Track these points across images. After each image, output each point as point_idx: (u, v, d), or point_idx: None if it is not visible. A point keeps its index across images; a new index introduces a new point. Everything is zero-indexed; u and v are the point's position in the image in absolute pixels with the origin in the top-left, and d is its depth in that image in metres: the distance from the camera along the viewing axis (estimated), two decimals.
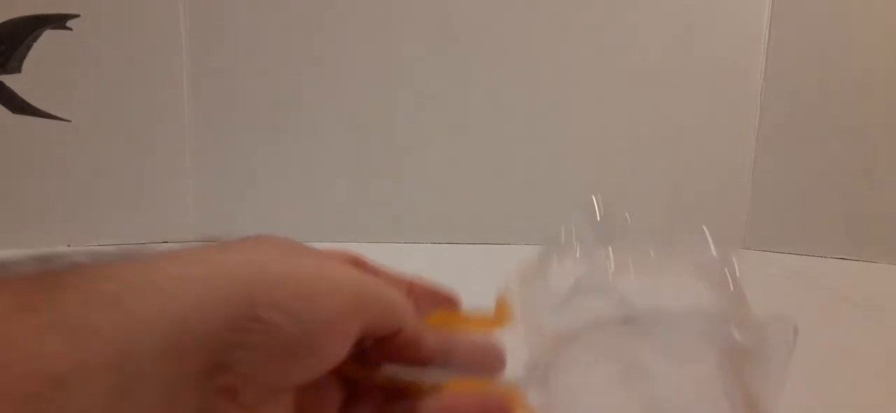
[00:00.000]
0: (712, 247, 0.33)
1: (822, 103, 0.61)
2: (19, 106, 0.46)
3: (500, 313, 0.29)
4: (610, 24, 0.63)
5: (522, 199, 0.64)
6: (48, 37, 0.47)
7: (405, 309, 0.25)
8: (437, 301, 0.29)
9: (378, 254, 0.32)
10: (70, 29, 0.47)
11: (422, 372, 0.26)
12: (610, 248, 0.32)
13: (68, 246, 0.63)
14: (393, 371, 0.26)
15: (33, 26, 0.46)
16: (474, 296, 0.50)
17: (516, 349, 0.29)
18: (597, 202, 0.32)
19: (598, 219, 0.32)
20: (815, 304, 0.51)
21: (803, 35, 0.61)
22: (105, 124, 0.61)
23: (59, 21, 0.47)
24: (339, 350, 0.22)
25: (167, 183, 0.64)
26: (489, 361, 0.28)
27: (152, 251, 0.21)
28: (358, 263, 0.27)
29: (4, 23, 0.46)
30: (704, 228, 0.32)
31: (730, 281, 0.34)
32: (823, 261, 0.61)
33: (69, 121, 0.49)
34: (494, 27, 0.62)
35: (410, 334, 0.25)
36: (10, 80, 0.46)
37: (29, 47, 0.46)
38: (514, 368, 0.28)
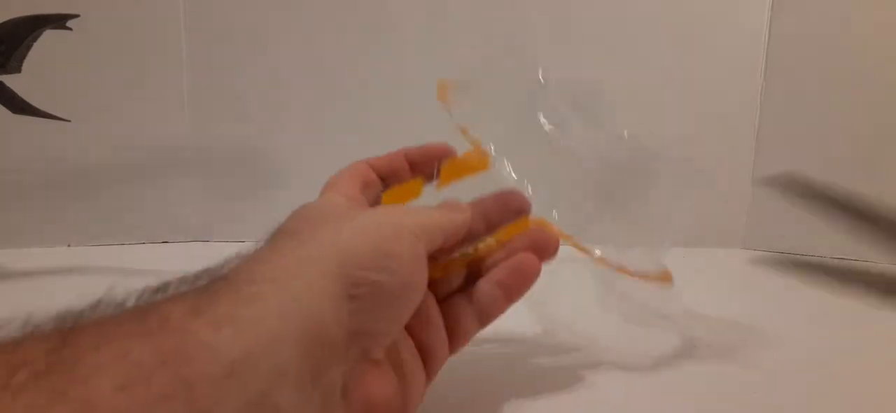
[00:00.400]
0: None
1: (823, 103, 0.61)
2: (19, 106, 0.46)
3: (479, 155, 0.33)
4: (610, 24, 0.63)
5: None
6: (48, 37, 0.47)
7: (455, 221, 0.29)
8: (433, 156, 0.33)
9: None
10: (70, 29, 0.47)
11: (473, 244, 0.31)
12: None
13: (68, 246, 0.63)
14: (455, 256, 0.31)
15: (33, 26, 0.45)
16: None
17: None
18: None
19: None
20: (816, 304, 0.51)
21: (803, 35, 0.61)
22: (105, 124, 0.62)
23: (59, 21, 0.47)
24: (421, 278, 0.26)
25: (167, 183, 0.64)
26: (515, 204, 0.32)
27: (244, 254, 0.23)
28: (368, 182, 0.31)
29: (4, 23, 0.45)
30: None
31: None
32: (823, 261, 0.61)
33: (69, 121, 0.49)
34: (495, 28, 0.62)
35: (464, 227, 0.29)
36: (10, 80, 0.46)
37: (29, 47, 0.46)
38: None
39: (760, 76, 0.63)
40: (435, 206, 0.30)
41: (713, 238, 0.64)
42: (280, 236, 0.25)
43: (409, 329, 0.28)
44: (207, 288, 0.21)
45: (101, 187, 0.63)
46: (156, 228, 0.65)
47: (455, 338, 0.30)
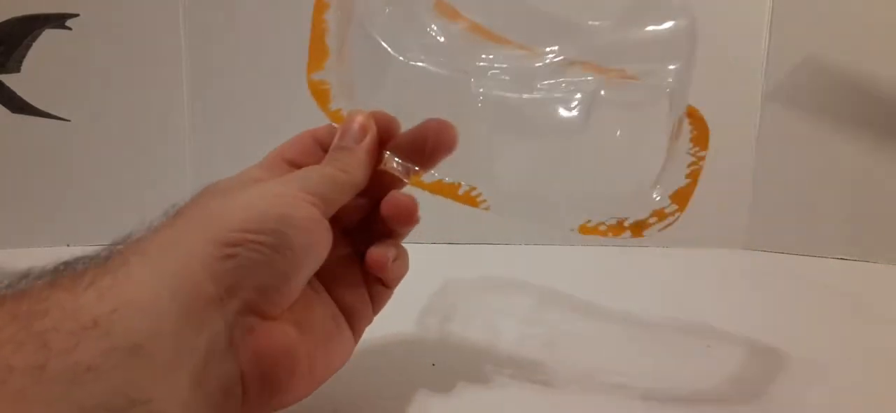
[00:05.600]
0: None
1: (823, 103, 0.61)
2: (19, 105, 0.46)
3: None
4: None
5: None
6: (47, 36, 0.47)
7: (345, 178, 0.28)
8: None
9: None
10: (69, 28, 0.47)
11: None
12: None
13: (67, 246, 0.63)
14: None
15: (32, 26, 0.46)
16: (475, 296, 0.50)
17: None
18: None
19: None
20: (816, 304, 0.51)
21: (804, 35, 0.61)
22: (104, 124, 0.61)
23: (58, 20, 0.47)
24: (320, 239, 0.27)
25: (167, 183, 0.64)
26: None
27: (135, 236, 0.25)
28: (306, 151, 0.31)
29: (4, 22, 0.45)
30: None
31: None
32: (823, 261, 0.60)
33: (69, 120, 0.49)
34: (493, 22, 0.62)
35: (366, 176, 0.29)
36: (10, 80, 0.46)
37: (28, 47, 0.46)
38: None
39: (761, 76, 0.62)
40: (332, 150, 0.30)
41: (714, 238, 0.64)
42: (171, 213, 0.26)
43: (330, 289, 0.30)
44: (75, 268, 0.23)
45: (101, 187, 0.63)
46: None
47: (376, 297, 0.31)
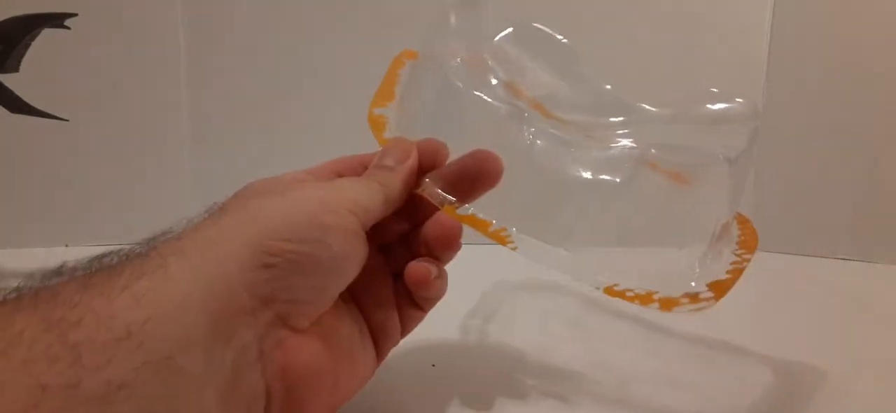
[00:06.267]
0: None
1: (824, 103, 0.61)
2: (17, 105, 0.46)
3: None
4: (609, 25, 0.63)
5: None
6: (46, 36, 0.46)
7: (384, 192, 0.28)
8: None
9: None
10: (68, 28, 0.47)
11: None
12: None
13: (66, 246, 0.62)
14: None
15: (31, 25, 0.45)
16: (475, 297, 0.50)
17: None
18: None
19: None
20: (816, 304, 0.51)
21: (805, 35, 0.61)
22: (104, 124, 0.61)
23: (57, 20, 0.46)
24: (356, 252, 0.26)
25: (166, 182, 0.64)
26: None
27: (173, 231, 0.25)
28: (341, 170, 0.30)
29: (3, 22, 0.45)
30: None
31: None
32: (825, 261, 0.60)
33: (68, 120, 0.48)
34: (494, 25, 0.62)
35: (402, 195, 0.29)
36: (9, 80, 0.46)
37: (27, 46, 0.45)
38: None
39: (762, 76, 0.62)
40: (372, 168, 0.29)
41: None
42: (214, 211, 0.25)
43: (360, 306, 0.29)
44: (111, 265, 0.22)
45: (100, 187, 0.63)
46: (155, 228, 0.64)
47: (407, 320, 0.30)
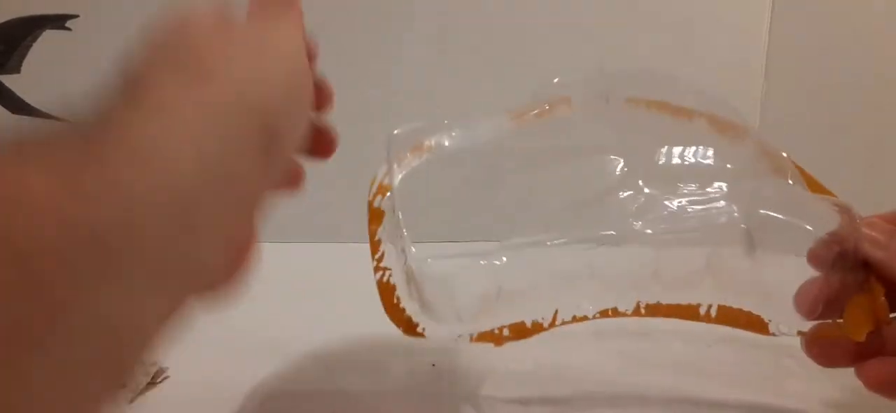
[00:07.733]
0: None
1: (823, 104, 0.61)
2: (18, 106, 0.46)
3: None
4: (609, 25, 0.63)
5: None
6: (47, 37, 0.46)
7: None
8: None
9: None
10: (69, 29, 0.47)
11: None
12: None
13: None
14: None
15: (32, 26, 0.45)
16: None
17: None
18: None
19: None
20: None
21: (804, 36, 0.61)
22: None
23: (58, 21, 0.47)
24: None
25: None
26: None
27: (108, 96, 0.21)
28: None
29: (4, 23, 0.45)
30: None
31: None
32: None
33: (68, 121, 0.49)
34: (495, 27, 0.62)
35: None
36: (10, 80, 0.46)
37: (28, 47, 0.46)
38: None
39: (761, 77, 0.62)
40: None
41: (714, 238, 0.64)
42: (162, 68, 0.21)
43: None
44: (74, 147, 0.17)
45: None
46: None
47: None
